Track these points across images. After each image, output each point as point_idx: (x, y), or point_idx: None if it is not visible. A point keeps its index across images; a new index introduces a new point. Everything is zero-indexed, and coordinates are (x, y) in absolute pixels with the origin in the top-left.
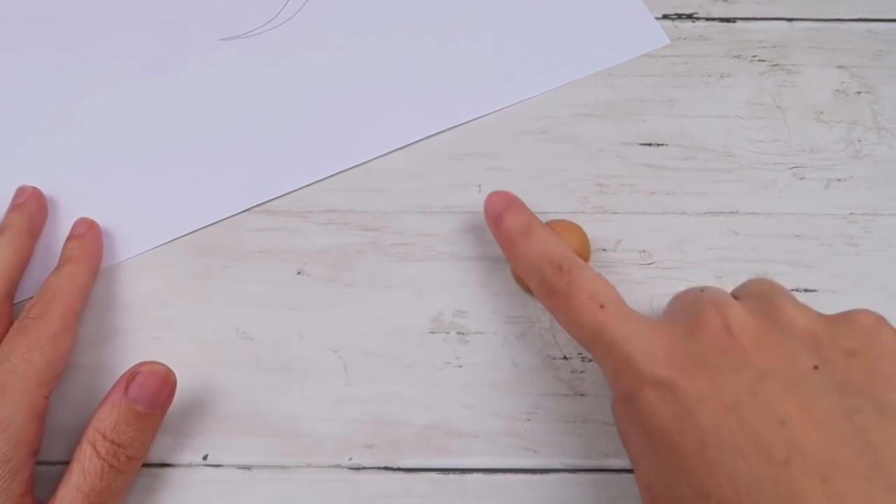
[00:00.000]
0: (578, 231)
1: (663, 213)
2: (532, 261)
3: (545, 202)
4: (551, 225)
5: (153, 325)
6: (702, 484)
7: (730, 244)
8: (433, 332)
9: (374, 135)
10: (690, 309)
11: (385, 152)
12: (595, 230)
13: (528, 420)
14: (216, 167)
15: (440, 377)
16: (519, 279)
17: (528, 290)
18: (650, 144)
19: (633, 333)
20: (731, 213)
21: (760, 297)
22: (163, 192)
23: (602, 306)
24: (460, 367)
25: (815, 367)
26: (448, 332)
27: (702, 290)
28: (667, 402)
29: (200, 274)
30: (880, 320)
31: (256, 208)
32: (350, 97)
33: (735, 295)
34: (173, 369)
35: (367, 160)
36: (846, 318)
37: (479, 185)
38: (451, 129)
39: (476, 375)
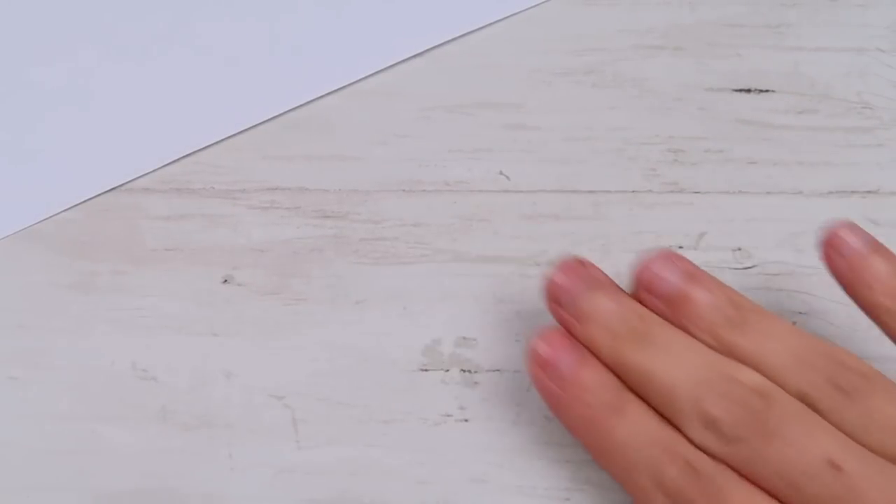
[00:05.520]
0: None
1: (768, 192)
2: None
3: (593, 177)
4: None
5: (8, 359)
6: None
7: None
8: (425, 370)
9: (337, 58)
10: None
11: (354, 81)
12: (667, 218)
13: (568, 500)
14: (98, 115)
15: (437, 437)
16: None
17: None
18: (749, 91)
19: None
20: (869, 192)
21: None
22: (23, 155)
23: None
24: (466, 420)
25: None
26: (448, 370)
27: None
28: None
29: (79, 283)
30: None
31: (163, 185)
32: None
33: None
34: (37, 422)
35: (325, 94)
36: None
37: (492, 149)
38: (453, 44)
39: (490, 434)
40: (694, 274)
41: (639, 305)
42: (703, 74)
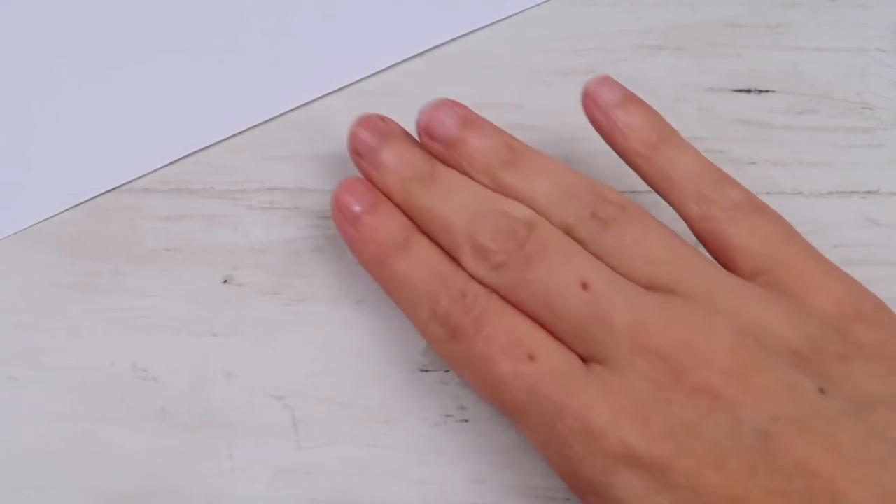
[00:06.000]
0: None
1: (768, 192)
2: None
3: (593, 177)
4: None
5: (8, 359)
6: None
7: (868, 239)
8: (425, 370)
9: (337, 58)
10: None
11: (354, 81)
12: (667, 219)
13: (568, 500)
14: (99, 115)
15: (436, 437)
16: None
17: None
18: (748, 91)
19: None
20: (869, 192)
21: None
22: (23, 156)
23: (530, 357)
24: (466, 420)
25: (821, 391)
26: (448, 370)
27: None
28: (655, 490)
29: (79, 283)
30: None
31: (163, 185)
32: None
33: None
34: (37, 422)
35: (325, 94)
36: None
37: None
38: (453, 44)
39: (490, 434)
40: (470, 118)
41: (425, 152)
42: (703, 74)
